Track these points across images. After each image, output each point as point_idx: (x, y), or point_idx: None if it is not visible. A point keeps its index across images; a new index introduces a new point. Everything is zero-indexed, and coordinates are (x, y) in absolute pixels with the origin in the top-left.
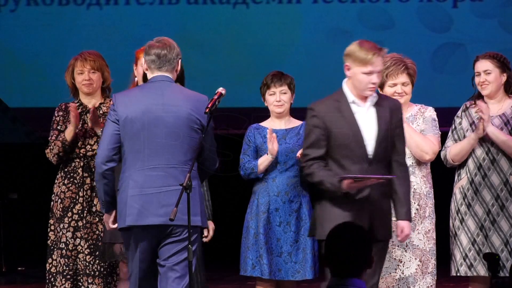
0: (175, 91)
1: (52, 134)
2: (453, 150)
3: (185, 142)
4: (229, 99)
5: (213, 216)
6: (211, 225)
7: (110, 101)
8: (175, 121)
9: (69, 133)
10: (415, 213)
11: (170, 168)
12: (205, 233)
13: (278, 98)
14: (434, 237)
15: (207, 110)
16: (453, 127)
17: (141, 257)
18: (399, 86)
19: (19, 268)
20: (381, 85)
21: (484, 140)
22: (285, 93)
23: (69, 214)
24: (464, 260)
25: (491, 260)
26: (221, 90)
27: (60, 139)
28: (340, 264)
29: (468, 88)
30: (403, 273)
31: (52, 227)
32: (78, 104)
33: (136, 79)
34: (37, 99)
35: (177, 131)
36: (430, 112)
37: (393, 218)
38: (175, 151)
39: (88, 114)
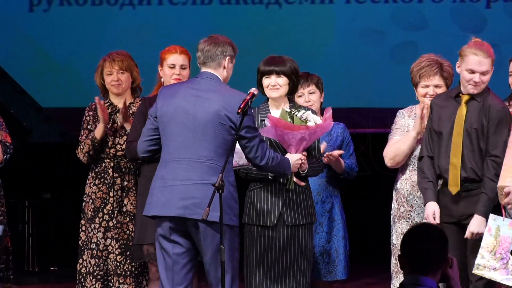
0: (211, 87)
1: (82, 133)
2: None
3: (211, 137)
4: (261, 99)
5: None
6: None
7: (140, 100)
8: (203, 116)
9: (99, 130)
10: None
11: (194, 162)
12: None
13: (307, 98)
14: None
15: (239, 110)
16: None
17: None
18: (431, 88)
19: (52, 268)
20: (415, 85)
21: None
22: (313, 92)
23: (100, 214)
24: None
25: None
26: (253, 90)
27: (90, 137)
28: (414, 260)
29: (502, 88)
30: None
31: (83, 228)
32: (108, 104)
33: (162, 79)
34: (71, 99)
35: (204, 126)
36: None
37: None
38: (200, 146)
39: (118, 114)
